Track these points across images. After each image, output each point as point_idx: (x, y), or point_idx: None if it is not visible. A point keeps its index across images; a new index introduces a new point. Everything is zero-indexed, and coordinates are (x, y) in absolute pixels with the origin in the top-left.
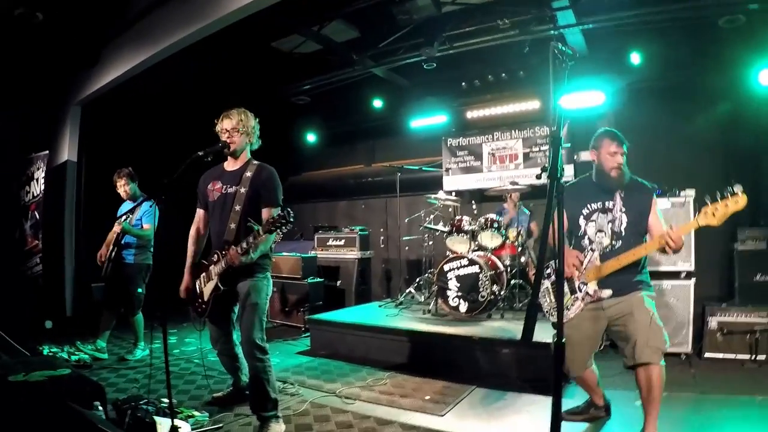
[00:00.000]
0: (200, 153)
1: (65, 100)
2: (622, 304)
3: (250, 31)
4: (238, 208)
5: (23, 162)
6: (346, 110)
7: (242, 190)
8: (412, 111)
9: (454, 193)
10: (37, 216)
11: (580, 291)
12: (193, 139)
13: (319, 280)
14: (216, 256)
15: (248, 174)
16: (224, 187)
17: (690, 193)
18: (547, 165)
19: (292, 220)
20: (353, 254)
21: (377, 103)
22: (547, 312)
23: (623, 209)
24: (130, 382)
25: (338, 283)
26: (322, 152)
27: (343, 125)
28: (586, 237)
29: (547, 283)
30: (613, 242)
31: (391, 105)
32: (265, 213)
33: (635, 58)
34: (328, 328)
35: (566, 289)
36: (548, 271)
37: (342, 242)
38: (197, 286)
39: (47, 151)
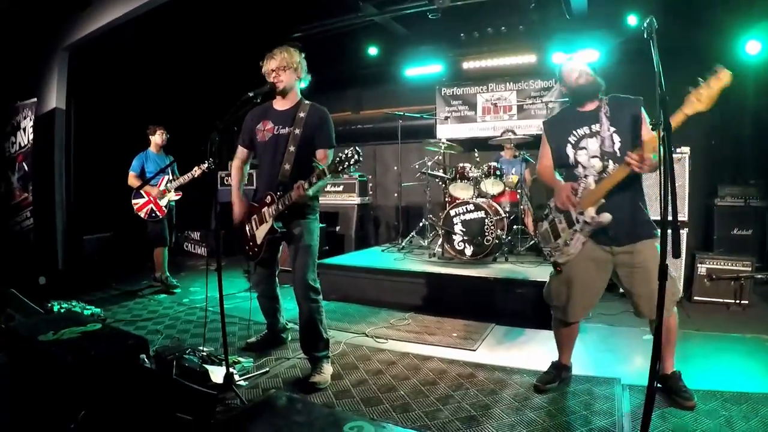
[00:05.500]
0: (250, 94)
1: (52, 44)
2: (635, 253)
3: None
4: (292, 149)
5: (7, 110)
6: (338, 56)
7: (297, 131)
8: (406, 59)
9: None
10: (26, 167)
11: (578, 222)
12: (185, 85)
13: (321, 225)
14: (269, 197)
15: (302, 114)
16: (276, 127)
17: (685, 150)
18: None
19: (360, 159)
20: (352, 200)
21: (372, 51)
22: (547, 254)
23: (612, 128)
24: (152, 333)
25: (337, 228)
26: (310, 98)
27: (333, 72)
28: (579, 165)
29: (545, 225)
30: (606, 163)
31: (384, 52)
32: (320, 154)
33: (632, 20)
34: (337, 272)
35: (564, 224)
36: (545, 212)
37: (341, 188)
38: (248, 230)
39: (35, 99)
